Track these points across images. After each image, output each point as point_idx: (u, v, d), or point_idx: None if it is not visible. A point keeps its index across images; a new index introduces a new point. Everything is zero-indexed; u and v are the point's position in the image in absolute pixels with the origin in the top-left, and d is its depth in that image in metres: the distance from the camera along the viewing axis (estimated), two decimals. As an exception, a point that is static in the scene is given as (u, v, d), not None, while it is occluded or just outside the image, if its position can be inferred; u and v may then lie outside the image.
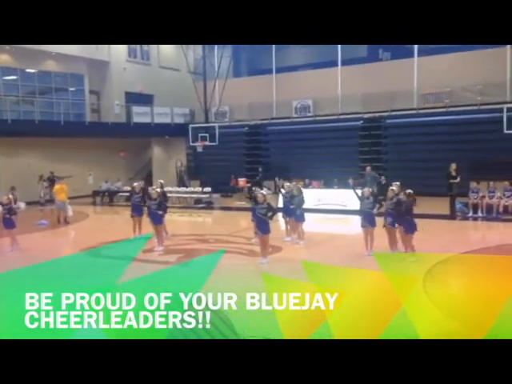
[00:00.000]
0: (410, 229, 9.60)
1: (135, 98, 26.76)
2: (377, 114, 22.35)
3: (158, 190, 12.09)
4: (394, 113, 21.87)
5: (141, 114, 26.08)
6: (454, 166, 15.62)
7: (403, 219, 9.69)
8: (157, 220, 11.71)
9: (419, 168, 20.21)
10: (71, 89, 25.63)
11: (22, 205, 21.54)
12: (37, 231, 15.23)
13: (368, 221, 10.31)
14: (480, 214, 15.67)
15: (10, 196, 12.58)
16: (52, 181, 21.87)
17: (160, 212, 11.71)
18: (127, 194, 21.09)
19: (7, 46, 21.49)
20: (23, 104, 23.31)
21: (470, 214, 15.66)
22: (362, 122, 22.82)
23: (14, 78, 23.22)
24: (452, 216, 15.40)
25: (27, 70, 23.70)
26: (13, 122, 21.29)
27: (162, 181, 14.09)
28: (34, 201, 22.11)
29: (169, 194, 21.81)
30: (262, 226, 9.88)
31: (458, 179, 15.43)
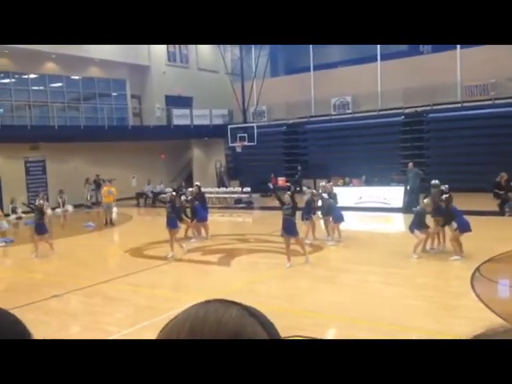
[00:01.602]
0: (464, 228, 9.27)
1: (175, 101, 27.25)
2: (418, 109, 21.81)
3: (174, 193, 12.25)
4: (436, 107, 21.30)
5: (180, 117, 26.55)
6: (505, 176, 14.93)
7: (455, 218, 9.40)
8: (171, 225, 11.37)
9: (464, 163, 19.59)
10: (114, 94, 26.39)
11: (69, 208, 22.41)
12: (85, 233, 15.77)
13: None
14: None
15: (41, 201, 12.82)
16: (98, 184, 22.61)
17: (173, 216, 11.46)
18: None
19: (53, 54, 22.34)
20: (69, 110, 24.19)
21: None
22: (403, 117, 22.34)
23: (60, 84, 24.12)
24: (500, 212, 14.84)
25: (72, 77, 24.56)
26: (59, 128, 22.13)
27: (199, 183, 14.25)
28: (81, 203, 22.94)
29: (209, 195, 22.14)
30: (289, 227, 9.61)
31: (503, 194, 14.74)
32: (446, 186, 10.25)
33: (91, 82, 25.25)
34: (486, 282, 8.04)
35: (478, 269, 8.58)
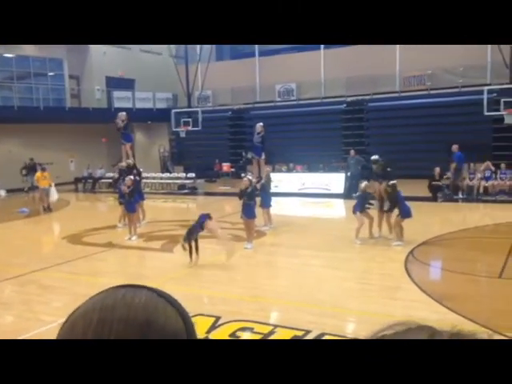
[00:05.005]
0: (406, 214, 9.56)
1: (116, 83, 26.34)
2: (359, 97, 22.38)
3: (132, 177, 11.75)
4: (376, 96, 21.93)
5: (122, 99, 25.72)
6: (437, 170, 15.62)
7: (399, 204, 9.67)
8: (129, 208, 11.33)
9: (402, 151, 20.35)
10: (50, 73, 25.13)
11: (1, 192, 21.29)
12: (17, 219, 15.02)
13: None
14: (461, 195, 15.91)
15: None
16: (32, 168, 21.55)
17: (132, 200, 11.29)
18: (110, 180, 20.92)
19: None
20: (1, 90, 22.80)
21: (452, 196, 15.86)
22: (345, 105, 22.84)
23: (-9, 62, 22.68)
24: (433, 198, 15.61)
25: (5, 55, 23.13)
26: (-10, 108, 20.85)
27: (130, 161, 13.65)
28: (16, 188, 21.81)
29: (152, 180, 21.71)
30: (247, 210, 9.88)
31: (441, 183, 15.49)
32: (376, 156, 10.39)
33: (25, 60, 23.90)
34: (419, 264, 8.44)
35: (411, 252, 8.98)
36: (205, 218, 8.79)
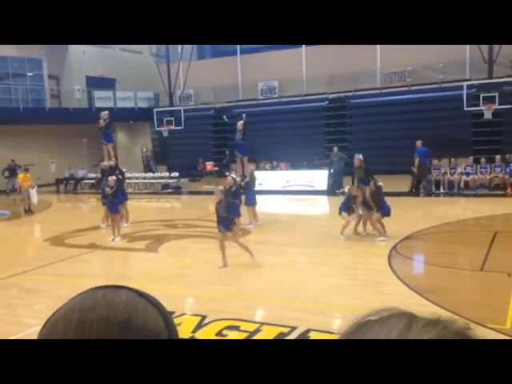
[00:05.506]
0: (385, 212, 9.72)
1: (96, 83, 26.05)
2: (341, 94, 22.50)
3: (115, 177, 11.61)
4: (358, 93, 22.07)
5: (103, 99, 25.44)
6: (417, 162, 15.84)
7: (380, 203, 9.81)
8: (112, 209, 11.25)
9: (383, 147, 20.54)
10: (29, 74, 24.74)
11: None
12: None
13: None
14: (442, 190, 16.13)
15: None
16: (13, 170, 21.22)
17: (115, 200, 11.18)
18: (92, 181, 20.69)
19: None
20: (-22, 91, 22.41)
21: (433, 191, 16.08)
22: (327, 102, 22.95)
23: (-33, 63, 22.24)
24: (416, 193, 15.80)
25: (-19, 55, 22.72)
26: (-32, 110, 20.45)
27: (112, 162, 13.54)
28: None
29: (135, 180, 21.56)
30: (232, 209, 9.85)
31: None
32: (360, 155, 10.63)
33: (3, 61, 23.51)
34: (402, 259, 8.54)
35: (394, 247, 9.08)
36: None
